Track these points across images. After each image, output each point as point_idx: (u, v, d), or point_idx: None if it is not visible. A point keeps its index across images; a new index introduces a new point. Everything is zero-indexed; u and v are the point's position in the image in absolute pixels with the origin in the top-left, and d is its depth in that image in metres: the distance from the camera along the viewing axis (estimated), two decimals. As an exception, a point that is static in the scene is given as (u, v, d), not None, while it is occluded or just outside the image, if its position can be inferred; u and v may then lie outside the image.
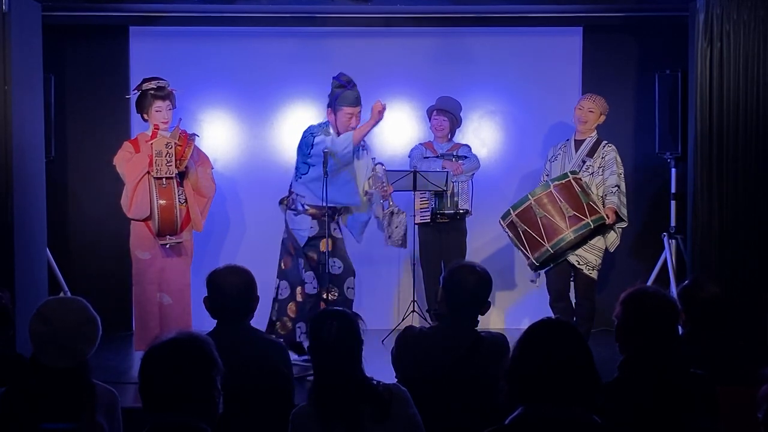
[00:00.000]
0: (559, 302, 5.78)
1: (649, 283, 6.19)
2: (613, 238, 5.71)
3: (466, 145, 6.58)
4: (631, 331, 2.90)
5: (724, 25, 5.67)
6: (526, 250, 5.48)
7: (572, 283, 5.82)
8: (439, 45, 7.04)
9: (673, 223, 6.51)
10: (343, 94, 5.58)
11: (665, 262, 6.40)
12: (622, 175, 5.72)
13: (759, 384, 3.10)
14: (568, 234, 5.31)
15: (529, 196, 5.41)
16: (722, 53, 5.68)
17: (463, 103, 6.57)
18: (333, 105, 5.60)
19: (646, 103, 6.76)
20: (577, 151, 5.80)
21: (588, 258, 5.62)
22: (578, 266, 5.64)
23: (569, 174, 5.49)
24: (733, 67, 5.68)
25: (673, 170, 6.54)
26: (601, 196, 5.64)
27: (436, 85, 6.78)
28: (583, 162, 5.75)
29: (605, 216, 5.45)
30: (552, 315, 5.81)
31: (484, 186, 6.61)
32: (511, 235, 5.57)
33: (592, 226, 5.36)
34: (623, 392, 2.80)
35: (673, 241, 6.43)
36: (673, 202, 6.54)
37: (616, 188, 5.63)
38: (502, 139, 7.10)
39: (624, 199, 5.69)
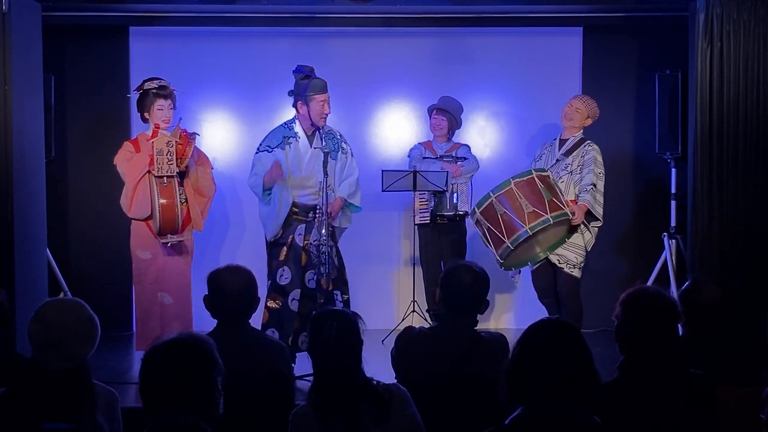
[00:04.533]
0: (545, 298, 5.83)
1: (649, 283, 6.18)
2: (588, 237, 5.68)
3: (465, 145, 6.58)
4: (630, 330, 2.89)
5: (724, 25, 5.67)
6: (491, 247, 5.47)
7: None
8: (439, 45, 7.05)
9: (673, 223, 6.51)
10: (311, 83, 5.48)
11: (665, 262, 6.40)
12: (602, 175, 5.68)
13: (760, 385, 3.11)
14: (526, 229, 5.28)
15: (491, 194, 5.41)
16: (722, 53, 5.68)
17: (462, 104, 6.56)
18: (303, 96, 5.49)
19: (646, 103, 6.76)
20: (560, 149, 5.80)
21: (568, 256, 5.62)
22: (559, 265, 5.65)
23: (533, 171, 5.48)
24: (733, 67, 5.69)
25: (673, 170, 6.54)
26: (577, 194, 5.62)
27: (436, 85, 6.79)
28: (557, 161, 5.73)
29: (569, 213, 5.39)
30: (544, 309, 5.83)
31: (483, 186, 6.61)
32: (479, 233, 5.57)
33: (552, 222, 5.31)
34: (623, 392, 2.80)
35: (673, 241, 6.43)
36: (673, 202, 6.54)
37: (592, 187, 5.59)
38: (501, 139, 7.10)
39: (600, 199, 5.64)
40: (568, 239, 5.58)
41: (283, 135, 5.56)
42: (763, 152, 5.69)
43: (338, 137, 5.68)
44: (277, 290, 5.50)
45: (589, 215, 5.62)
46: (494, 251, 5.47)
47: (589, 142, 5.76)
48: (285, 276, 5.50)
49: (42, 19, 5.83)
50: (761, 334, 4.15)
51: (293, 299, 5.49)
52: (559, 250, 5.61)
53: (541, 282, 5.80)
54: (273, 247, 5.57)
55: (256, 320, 5.38)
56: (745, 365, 3.51)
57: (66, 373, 2.86)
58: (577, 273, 5.66)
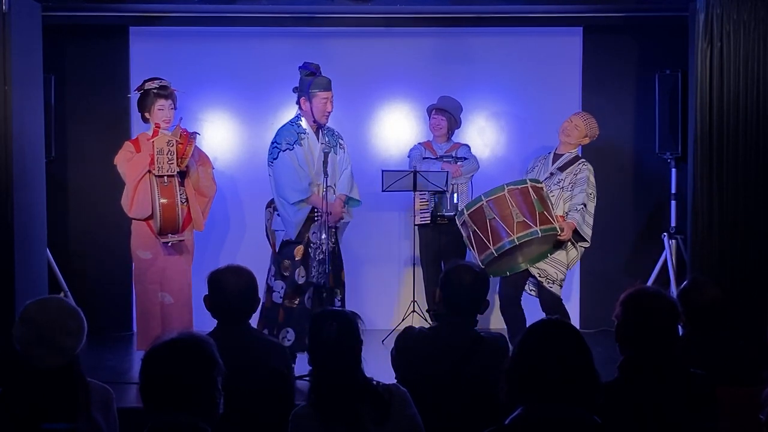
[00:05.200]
0: (508, 308, 5.56)
1: (649, 283, 6.19)
2: (573, 255, 5.54)
3: (466, 145, 6.58)
4: (630, 331, 2.89)
5: (724, 25, 5.67)
6: (474, 251, 5.36)
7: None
8: (439, 45, 7.05)
9: (673, 223, 6.52)
10: (315, 80, 5.49)
11: (665, 262, 6.41)
12: (593, 196, 5.52)
13: (760, 385, 3.10)
14: (513, 239, 5.15)
15: (482, 197, 5.30)
16: (722, 53, 5.69)
17: (463, 104, 6.57)
18: (306, 92, 5.49)
19: (646, 103, 6.76)
20: (553, 164, 5.64)
21: (548, 271, 5.45)
22: (539, 278, 5.49)
23: (528, 180, 5.36)
24: (733, 67, 5.69)
25: (673, 170, 6.55)
26: (566, 212, 5.47)
27: (436, 85, 6.79)
28: (551, 174, 5.59)
29: (558, 228, 5.27)
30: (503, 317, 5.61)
31: (484, 186, 6.60)
32: (464, 235, 5.46)
33: (540, 235, 5.18)
34: (623, 392, 2.80)
35: (673, 241, 6.44)
36: (673, 202, 6.55)
37: (582, 206, 5.43)
38: (501, 139, 7.10)
39: (589, 220, 5.48)
40: (551, 254, 5.44)
41: (297, 132, 5.52)
42: (763, 152, 5.69)
43: (336, 133, 5.71)
44: (295, 290, 5.49)
45: (577, 234, 5.46)
46: (476, 255, 5.33)
47: (583, 160, 5.61)
48: (302, 274, 5.49)
49: (42, 19, 5.83)
50: (761, 334, 4.15)
51: (308, 297, 5.50)
52: (540, 264, 5.46)
53: (506, 290, 5.57)
54: (284, 246, 5.53)
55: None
56: (745, 365, 3.51)
57: (58, 369, 2.86)
58: (556, 290, 5.48)
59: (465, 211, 5.38)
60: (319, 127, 5.58)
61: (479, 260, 5.30)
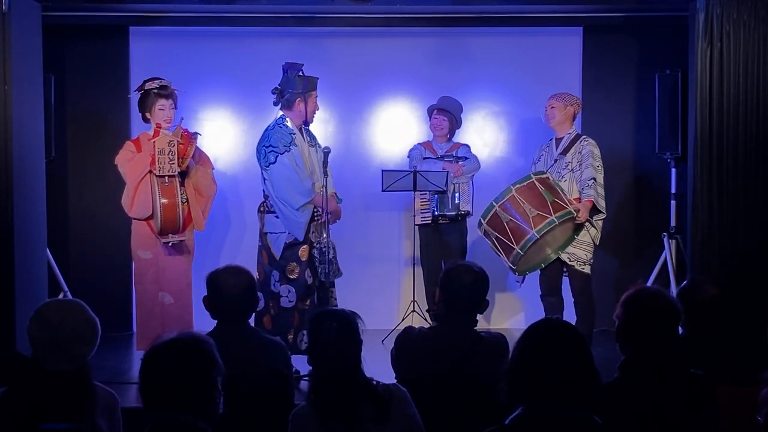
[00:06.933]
0: (549, 297, 5.84)
1: (649, 283, 6.19)
2: (594, 233, 5.72)
3: (466, 145, 6.58)
4: (631, 331, 2.90)
5: (724, 25, 5.67)
6: (502, 255, 5.55)
7: (568, 282, 5.87)
8: (439, 45, 7.05)
9: (673, 223, 6.52)
10: (309, 81, 5.46)
11: (665, 262, 6.40)
12: (600, 168, 5.71)
13: (759, 385, 3.11)
14: (533, 233, 5.35)
15: (494, 203, 5.49)
16: (722, 53, 5.69)
17: (463, 103, 6.57)
18: (303, 94, 5.42)
19: (646, 103, 6.76)
20: (557, 149, 5.85)
21: (578, 254, 5.67)
22: (569, 263, 5.70)
23: (532, 175, 5.55)
24: (733, 67, 5.69)
25: (673, 170, 6.54)
26: (579, 191, 5.67)
27: (436, 85, 6.79)
28: (556, 161, 5.79)
29: (573, 211, 5.45)
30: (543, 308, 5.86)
31: (484, 185, 6.62)
32: (489, 243, 5.65)
33: (557, 222, 5.38)
34: (623, 392, 2.80)
35: (673, 241, 6.43)
36: (673, 202, 6.55)
37: (592, 181, 5.63)
38: (501, 138, 7.10)
39: (602, 191, 5.68)
40: (576, 236, 5.63)
41: (288, 133, 5.47)
42: (763, 152, 5.69)
43: (312, 133, 5.69)
44: (307, 292, 5.43)
45: (592, 210, 5.63)
46: (505, 259, 5.54)
47: (584, 137, 5.81)
48: (309, 274, 5.45)
49: (42, 19, 5.83)
50: (761, 334, 4.15)
51: (316, 296, 5.49)
52: (569, 249, 5.65)
53: (548, 281, 5.83)
54: (286, 248, 5.44)
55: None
56: (745, 365, 3.52)
57: (67, 374, 2.86)
58: (587, 270, 5.72)
59: (482, 221, 5.55)
60: (302, 126, 5.55)
61: (509, 262, 5.53)
